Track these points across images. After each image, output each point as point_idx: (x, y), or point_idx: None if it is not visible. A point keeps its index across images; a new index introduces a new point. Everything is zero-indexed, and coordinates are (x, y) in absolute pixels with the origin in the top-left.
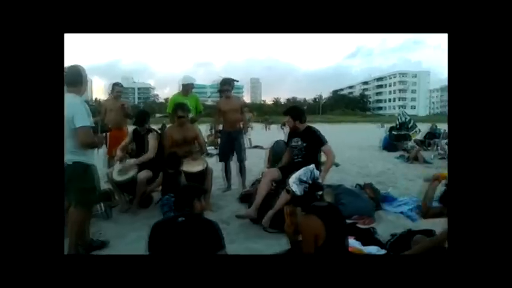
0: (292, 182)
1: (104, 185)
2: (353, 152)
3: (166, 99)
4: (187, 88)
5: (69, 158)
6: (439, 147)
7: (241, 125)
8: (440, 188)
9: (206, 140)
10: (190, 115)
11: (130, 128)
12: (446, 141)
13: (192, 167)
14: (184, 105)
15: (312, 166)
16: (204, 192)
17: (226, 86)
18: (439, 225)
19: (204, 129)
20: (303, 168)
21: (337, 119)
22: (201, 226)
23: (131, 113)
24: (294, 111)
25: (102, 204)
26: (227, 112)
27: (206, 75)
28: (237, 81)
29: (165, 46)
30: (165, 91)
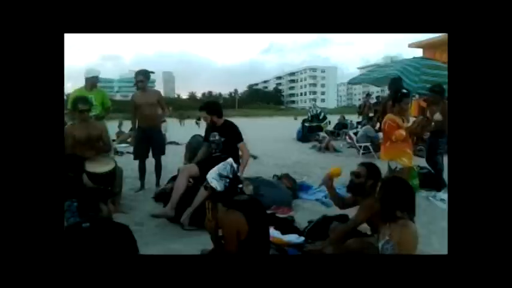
0: (212, 177)
1: None
2: (269, 144)
3: (67, 95)
4: (91, 82)
5: None
6: (347, 137)
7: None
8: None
9: (115, 138)
10: (96, 112)
11: None
12: (354, 131)
13: (97, 167)
14: (85, 98)
15: (231, 160)
16: (110, 194)
17: (141, 77)
18: (353, 209)
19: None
20: (222, 163)
21: (253, 113)
22: (109, 231)
23: None
24: (209, 107)
25: None
26: (143, 106)
27: (114, 69)
28: (153, 72)
29: (67, 38)
30: (67, 86)
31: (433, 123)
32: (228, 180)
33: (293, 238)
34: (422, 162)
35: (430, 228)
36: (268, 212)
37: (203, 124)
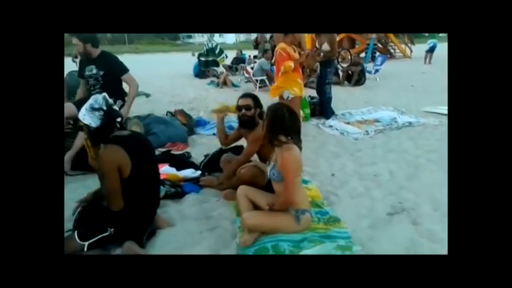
0: (83, 114)
1: None
2: (164, 81)
3: None
4: None
5: None
6: (244, 71)
7: None
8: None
9: None
10: None
11: None
12: (252, 65)
13: None
14: None
15: (104, 94)
16: None
17: None
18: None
19: None
20: (92, 96)
21: (146, 49)
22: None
23: None
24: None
25: None
26: None
27: None
28: None
29: None
30: None
31: (321, 54)
32: (102, 113)
33: (189, 173)
34: (314, 93)
35: (319, 152)
36: (163, 150)
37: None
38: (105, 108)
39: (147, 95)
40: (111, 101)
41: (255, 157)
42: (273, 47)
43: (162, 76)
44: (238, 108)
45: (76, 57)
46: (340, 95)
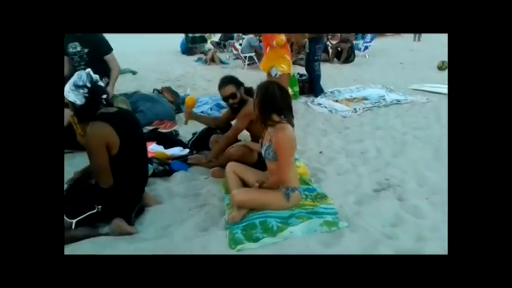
0: (68, 91)
1: None
2: (151, 58)
3: None
4: None
5: None
6: (232, 48)
7: None
8: None
9: None
10: None
11: None
12: (240, 42)
13: None
14: None
15: (88, 70)
16: None
17: None
18: None
19: None
20: (76, 73)
21: None
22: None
23: None
24: None
25: None
26: None
27: None
28: None
29: None
30: None
31: None
32: (86, 90)
33: (177, 151)
34: (303, 71)
35: (307, 130)
36: (150, 128)
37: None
38: (89, 85)
39: (134, 72)
40: (96, 77)
41: (247, 135)
42: None
43: (149, 53)
44: (224, 99)
45: None
46: (329, 72)
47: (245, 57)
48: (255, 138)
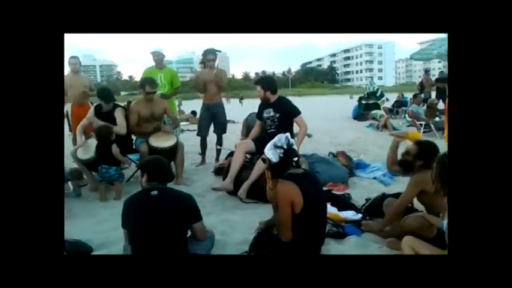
0: (268, 149)
1: (73, 164)
2: (324, 123)
3: (130, 77)
4: (159, 59)
5: None
6: (407, 115)
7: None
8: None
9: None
10: (164, 90)
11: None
12: (411, 108)
13: (161, 142)
14: (153, 80)
15: (287, 134)
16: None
17: (212, 56)
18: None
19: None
20: (278, 135)
21: (307, 92)
22: (175, 199)
23: (93, 88)
24: (264, 81)
25: (70, 183)
26: (209, 84)
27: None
28: (220, 51)
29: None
30: (129, 68)
31: None
32: (282, 151)
33: (350, 215)
34: None
35: None
36: (324, 188)
37: (245, 102)
38: (285, 147)
39: (309, 135)
40: (292, 141)
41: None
42: (442, 89)
43: (322, 118)
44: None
45: (242, 98)
46: None
47: (421, 124)
48: (431, 211)
